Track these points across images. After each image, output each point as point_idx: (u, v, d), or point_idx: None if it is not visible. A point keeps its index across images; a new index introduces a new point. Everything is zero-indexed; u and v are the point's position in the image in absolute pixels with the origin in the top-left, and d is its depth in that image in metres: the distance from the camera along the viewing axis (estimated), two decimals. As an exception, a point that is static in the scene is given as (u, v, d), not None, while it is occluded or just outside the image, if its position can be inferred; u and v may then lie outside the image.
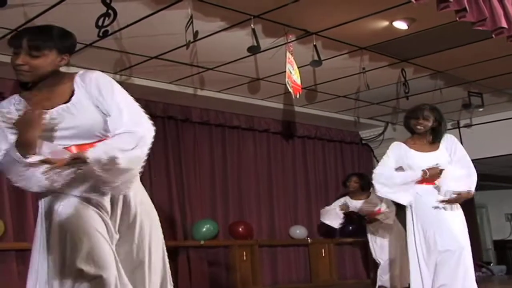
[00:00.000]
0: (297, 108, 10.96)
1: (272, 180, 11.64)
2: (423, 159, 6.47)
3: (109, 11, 5.96)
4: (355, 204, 10.31)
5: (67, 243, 3.27)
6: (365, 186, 10.20)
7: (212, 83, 9.24)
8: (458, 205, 6.44)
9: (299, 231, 11.53)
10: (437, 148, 6.60)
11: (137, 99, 9.40)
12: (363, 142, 13.37)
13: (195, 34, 6.41)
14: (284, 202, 11.78)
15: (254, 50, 7.05)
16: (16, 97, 3.51)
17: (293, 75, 7.48)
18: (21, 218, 8.44)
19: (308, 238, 11.58)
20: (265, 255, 11.14)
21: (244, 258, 10.37)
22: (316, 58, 7.62)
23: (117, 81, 8.52)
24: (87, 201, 3.37)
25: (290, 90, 7.50)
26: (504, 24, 5.91)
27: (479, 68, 9.13)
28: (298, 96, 7.72)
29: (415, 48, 8.26)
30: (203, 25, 6.78)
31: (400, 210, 9.15)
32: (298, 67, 7.55)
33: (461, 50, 8.34)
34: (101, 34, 6.08)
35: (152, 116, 10.05)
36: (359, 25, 7.27)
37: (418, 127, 6.57)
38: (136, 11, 6.59)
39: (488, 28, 5.94)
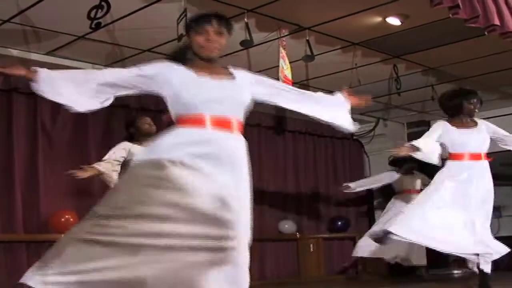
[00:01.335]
0: (289, 103, 10.95)
1: (262, 175, 11.62)
2: (464, 134, 6.82)
3: (102, 3, 5.95)
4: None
5: None
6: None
7: (204, 76, 9.22)
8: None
9: (287, 226, 11.53)
10: (475, 125, 6.92)
11: (129, 92, 9.23)
12: (354, 137, 13.37)
13: (188, 27, 6.40)
14: (274, 196, 11.76)
15: (247, 44, 7.06)
16: (178, 65, 3.86)
17: (285, 70, 7.48)
18: (8, 209, 8.43)
19: (297, 233, 11.59)
20: (253, 250, 11.05)
21: (233, 252, 10.35)
22: (308, 53, 7.64)
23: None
24: None
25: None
26: (496, 21, 5.92)
27: (471, 65, 9.14)
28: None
29: (407, 44, 8.28)
30: (197, 18, 6.77)
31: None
32: (290, 62, 7.56)
33: (453, 47, 8.36)
34: (93, 26, 6.07)
35: (144, 109, 10.10)
36: (352, 20, 7.29)
37: (476, 111, 6.93)
38: (130, 3, 6.58)
39: (481, 25, 5.96)
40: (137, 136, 7.24)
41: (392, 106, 11.58)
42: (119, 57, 8.19)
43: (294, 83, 8.12)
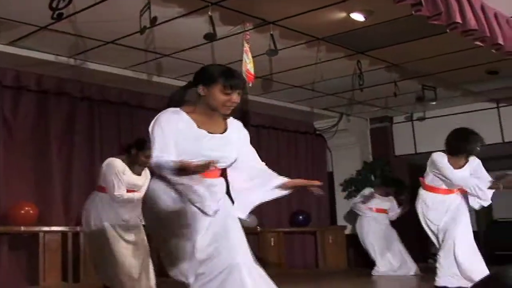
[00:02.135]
0: (252, 97, 10.94)
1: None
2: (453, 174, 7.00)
3: (65, -7, 5.87)
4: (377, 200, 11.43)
5: None
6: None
7: (168, 69, 9.18)
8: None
9: (249, 220, 11.47)
10: (463, 165, 7.08)
11: (92, 84, 9.27)
12: (317, 132, 13.41)
13: (153, 19, 6.35)
14: (236, 190, 11.72)
15: (210, 37, 7.01)
16: (182, 113, 4.00)
17: (248, 64, 7.47)
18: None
19: (258, 227, 11.59)
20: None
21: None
22: (272, 47, 7.62)
23: (72, 66, 8.43)
24: None
25: (245, 78, 7.49)
26: (458, 19, 5.96)
27: (434, 62, 9.21)
28: (251, 85, 7.70)
29: (371, 40, 8.30)
30: (161, 11, 6.71)
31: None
32: (255, 56, 7.54)
33: (416, 44, 8.40)
34: (55, 16, 5.98)
35: (106, 101, 10.02)
36: (317, 15, 7.28)
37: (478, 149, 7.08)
38: (92, -6, 6.53)
39: (443, 23, 6.00)
40: (131, 158, 7.05)
41: (355, 101, 11.63)
42: (82, 49, 8.12)
43: (258, 77, 8.13)
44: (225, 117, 4.17)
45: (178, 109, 4.01)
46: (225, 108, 4.01)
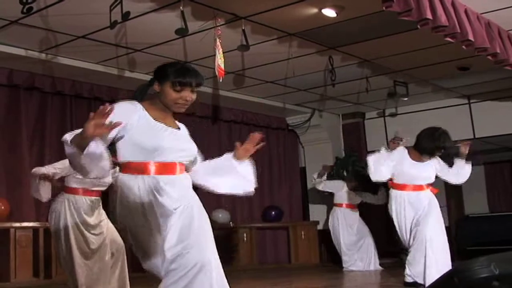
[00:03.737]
0: (224, 93, 10.92)
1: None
2: (415, 167, 7.23)
3: (35, -13, 5.84)
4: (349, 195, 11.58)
5: None
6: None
7: (140, 64, 9.15)
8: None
9: (221, 216, 11.52)
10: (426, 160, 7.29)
11: (63, 79, 9.22)
12: (290, 128, 13.44)
13: (125, 14, 6.32)
14: (208, 186, 11.74)
15: (181, 32, 6.98)
16: (138, 105, 3.94)
17: (219, 60, 7.46)
18: None
19: (231, 223, 11.60)
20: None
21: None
22: (244, 42, 7.62)
23: (43, 60, 8.38)
24: None
25: (217, 73, 7.49)
26: (429, 15, 6.00)
27: (405, 58, 9.26)
28: (221, 80, 7.68)
29: (343, 36, 8.32)
30: (133, 5, 6.69)
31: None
32: (226, 51, 7.52)
33: (388, 40, 8.44)
34: (25, 10, 5.95)
35: (78, 96, 9.96)
36: (289, 11, 7.29)
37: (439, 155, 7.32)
38: (64, -12, 6.49)
39: (414, 19, 6.03)
40: None
41: (327, 97, 11.66)
42: (53, 43, 8.07)
43: (229, 73, 8.12)
44: (174, 118, 4.14)
45: (136, 102, 3.96)
46: (177, 105, 3.95)
